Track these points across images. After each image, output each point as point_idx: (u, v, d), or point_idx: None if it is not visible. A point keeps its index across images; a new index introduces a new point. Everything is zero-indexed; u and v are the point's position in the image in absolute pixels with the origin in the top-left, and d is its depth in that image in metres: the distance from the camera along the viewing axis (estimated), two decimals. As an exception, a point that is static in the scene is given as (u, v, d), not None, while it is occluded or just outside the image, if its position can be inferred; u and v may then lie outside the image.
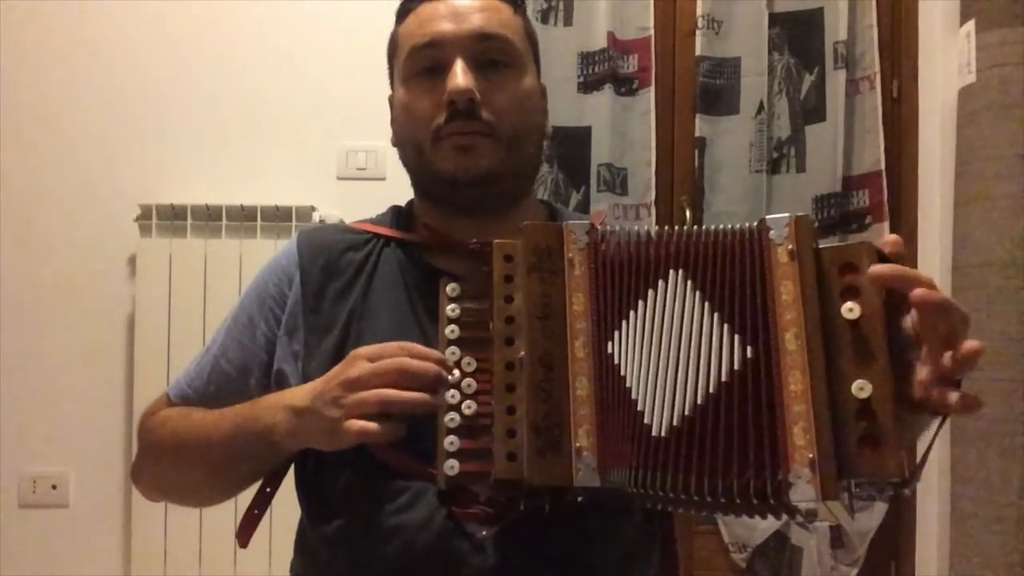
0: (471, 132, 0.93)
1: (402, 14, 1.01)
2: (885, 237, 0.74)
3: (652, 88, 2.34)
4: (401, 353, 0.82)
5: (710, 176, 2.34)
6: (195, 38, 2.37)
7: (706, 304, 0.77)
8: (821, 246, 0.76)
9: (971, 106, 2.03)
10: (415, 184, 1.02)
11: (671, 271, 0.79)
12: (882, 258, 0.74)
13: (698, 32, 2.34)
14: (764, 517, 0.74)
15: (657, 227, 0.83)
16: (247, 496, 0.99)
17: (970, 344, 0.67)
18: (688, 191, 2.36)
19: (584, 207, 2.31)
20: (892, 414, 0.69)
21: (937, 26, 2.26)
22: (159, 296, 2.23)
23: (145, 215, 2.28)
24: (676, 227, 0.81)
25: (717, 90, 2.35)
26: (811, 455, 0.69)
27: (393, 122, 1.03)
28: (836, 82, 2.31)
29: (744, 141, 2.33)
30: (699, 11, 2.34)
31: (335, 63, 2.34)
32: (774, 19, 2.35)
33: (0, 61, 2.34)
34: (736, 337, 0.75)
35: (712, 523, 2.31)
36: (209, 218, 2.27)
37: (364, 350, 0.83)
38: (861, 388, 0.70)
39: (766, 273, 0.75)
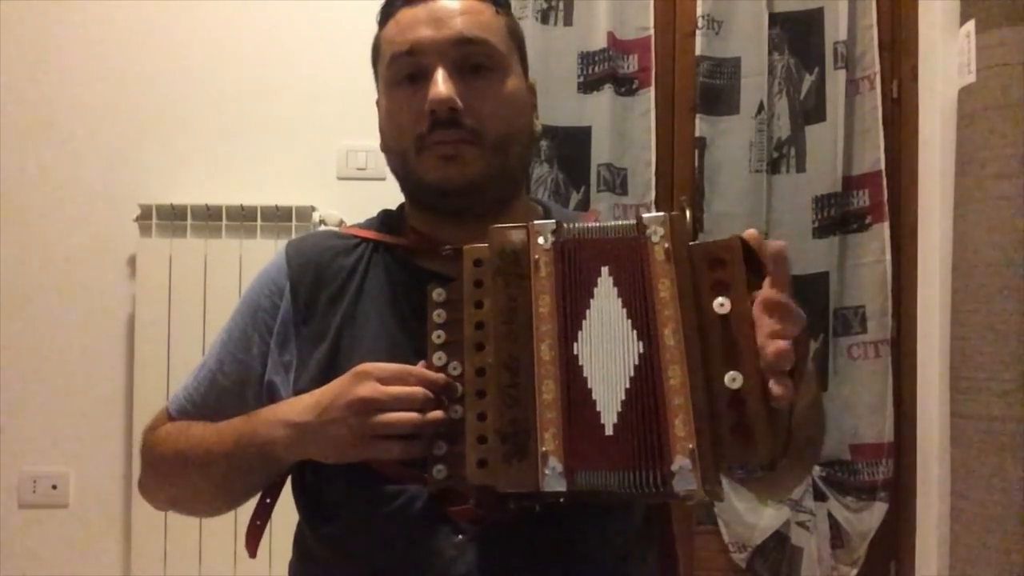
0: (454, 141, 0.92)
1: (383, 19, 1.00)
2: (747, 231, 0.76)
3: (652, 88, 2.34)
4: (411, 379, 0.82)
5: (710, 176, 2.34)
6: (195, 38, 2.37)
7: (620, 301, 0.78)
8: (693, 242, 0.78)
9: (971, 106, 2.03)
10: (403, 189, 1.02)
11: (603, 268, 0.80)
12: (747, 251, 0.75)
13: (698, 32, 2.34)
14: (660, 501, 0.77)
15: (600, 223, 0.83)
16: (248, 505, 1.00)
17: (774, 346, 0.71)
18: (688, 191, 2.36)
19: (584, 207, 2.31)
20: (762, 403, 0.71)
21: (937, 26, 2.25)
22: (159, 296, 2.24)
23: (145, 215, 2.28)
24: (608, 222, 0.82)
25: (717, 90, 2.35)
26: (691, 446, 0.72)
27: (380, 128, 1.02)
28: (836, 82, 2.31)
29: (744, 141, 2.33)
30: (699, 11, 2.34)
31: (335, 63, 2.34)
32: (774, 19, 2.35)
33: (0, 61, 2.34)
34: (635, 333, 0.77)
35: (712, 523, 2.31)
36: (209, 218, 2.27)
37: (372, 368, 0.83)
38: (733, 379, 0.72)
39: (647, 272, 0.77)
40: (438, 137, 0.92)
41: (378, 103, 1.02)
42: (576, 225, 0.82)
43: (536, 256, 0.80)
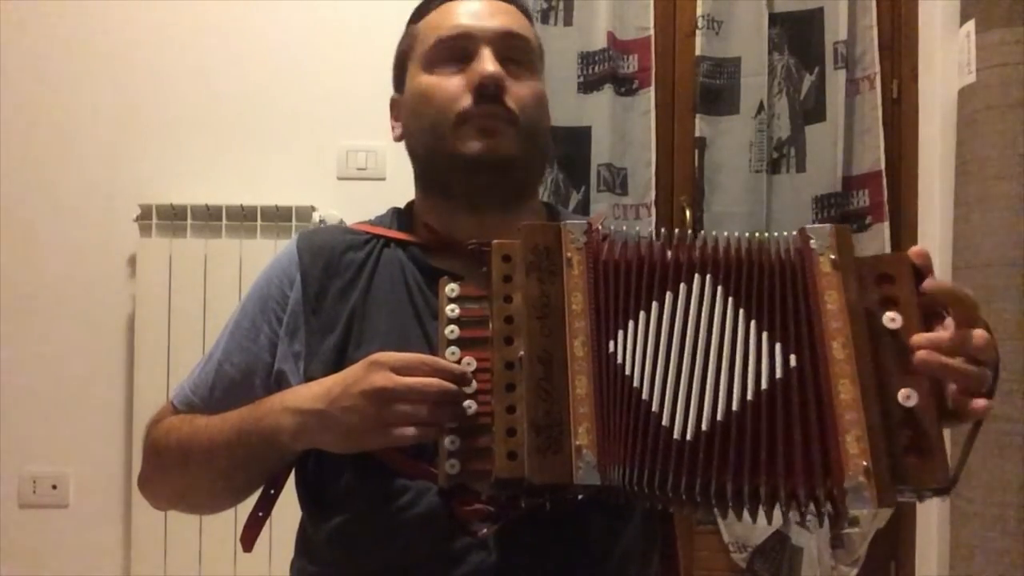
0: (496, 116, 0.95)
1: (420, 13, 1.03)
2: (912, 248, 0.77)
3: (652, 88, 2.34)
4: (425, 368, 0.81)
5: (710, 176, 2.34)
6: (195, 39, 2.37)
7: (740, 311, 0.78)
8: (858, 256, 0.78)
9: (971, 106, 2.03)
10: (423, 176, 1.02)
11: (696, 276, 0.79)
12: (916, 270, 0.75)
13: (698, 32, 2.34)
14: (801, 523, 0.75)
15: (670, 231, 0.83)
16: (248, 500, 0.99)
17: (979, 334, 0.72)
18: (688, 191, 2.36)
19: (584, 207, 2.31)
20: (936, 422, 0.71)
21: (937, 26, 2.26)
22: (159, 296, 2.24)
23: (145, 215, 2.28)
24: (701, 233, 0.82)
25: (717, 90, 2.35)
26: (866, 463, 0.70)
27: (402, 115, 1.03)
28: (836, 82, 2.31)
29: (744, 141, 2.33)
30: (699, 11, 2.34)
31: (335, 63, 2.34)
32: (774, 19, 2.35)
33: (0, 61, 2.34)
34: (778, 346, 0.75)
35: (712, 523, 2.31)
36: (209, 218, 2.27)
37: (386, 358, 0.82)
38: (907, 397, 0.71)
39: (809, 283, 0.76)
40: (482, 111, 0.94)
41: (395, 100, 1.05)
42: (622, 229, 0.83)
43: (569, 254, 0.81)
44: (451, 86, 0.96)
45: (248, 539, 0.95)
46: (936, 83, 2.26)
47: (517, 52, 0.98)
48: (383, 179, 2.32)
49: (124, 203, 2.28)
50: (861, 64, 2.33)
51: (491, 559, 0.86)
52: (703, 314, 0.78)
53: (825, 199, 2.31)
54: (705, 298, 0.79)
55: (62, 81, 2.36)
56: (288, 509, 0.97)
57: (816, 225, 0.78)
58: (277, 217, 2.26)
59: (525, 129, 0.96)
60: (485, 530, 0.84)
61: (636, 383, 0.77)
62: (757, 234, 0.81)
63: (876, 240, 2.29)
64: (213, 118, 2.36)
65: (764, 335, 0.76)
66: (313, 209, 2.29)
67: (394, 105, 1.06)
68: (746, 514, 0.75)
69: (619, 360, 0.78)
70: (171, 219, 2.27)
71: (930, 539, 2.21)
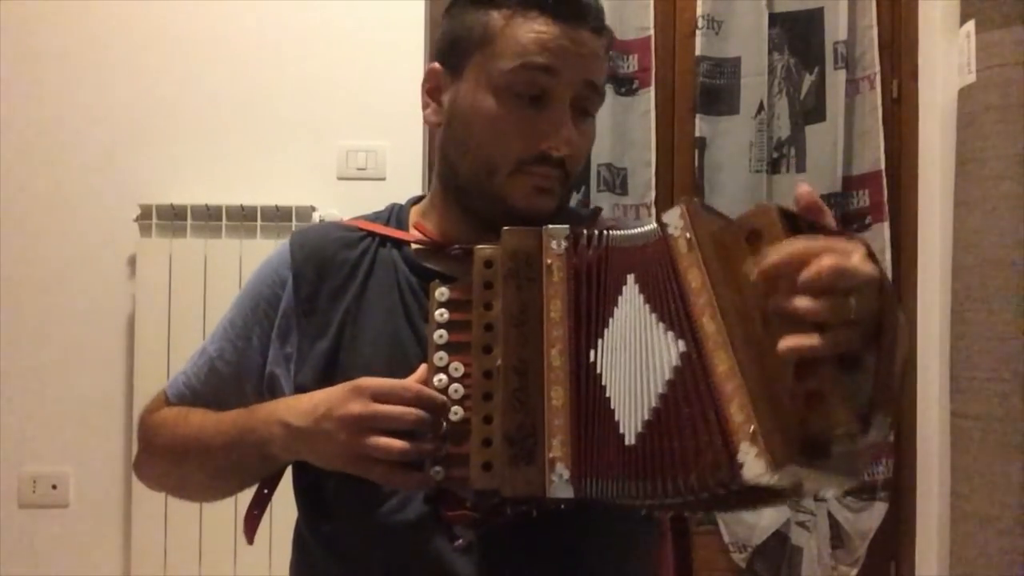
0: (553, 177, 0.91)
1: (499, 2, 0.92)
2: (799, 188, 0.72)
3: (652, 88, 2.35)
4: (407, 395, 0.81)
5: (710, 176, 2.34)
6: (195, 38, 2.37)
7: (648, 307, 0.75)
8: (727, 221, 0.73)
9: (971, 106, 2.03)
10: (451, 186, 0.97)
11: (628, 277, 0.77)
12: (789, 217, 0.70)
13: (698, 32, 2.34)
14: (751, 507, 0.71)
15: (623, 229, 0.80)
16: (247, 495, 1.00)
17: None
18: (688, 191, 2.36)
19: (584, 207, 2.32)
20: (830, 365, 0.65)
21: (937, 26, 2.26)
22: (159, 296, 2.23)
23: (145, 215, 2.27)
24: (633, 228, 0.79)
25: (717, 90, 2.35)
26: (752, 428, 0.66)
27: (452, 115, 0.95)
28: (836, 82, 2.31)
29: (744, 141, 2.33)
30: (699, 11, 2.34)
31: (335, 63, 2.33)
32: (774, 19, 2.36)
33: (0, 61, 2.34)
34: (670, 335, 0.72)
35: (712, 523, 2.31)
36: (209, 218, 2.27)
37: (369, 384, 0.82)
38: (790, 348, 0.65)
39: (675, 267, 0.73)
40: (542, 171, 0.91)
41: (447, 80, 0.96)
42: (596, 233, 0.80)
43: (549, 261, 0.79)
44: (521, 131, 0.90)
45: (249, 532, 0.97)
46: (936, 83, 2.26)
47: (590, 105, 0.94)
48: (383, 179, 2.31)
49: (124, 203, 2.28)
50: (861, 64, 2.33)
51: (482, 562, 0.86)
52: (632, 315, 0.76)
53: (825, 199, 2.25)
54: (633, 299, 0.76)
55: (62, 81, 2.36)
56: (289, 509, 0.97)
57: (671, 209, 0.75)
58: (277, 217, 2.26)
59: (571, 179, 0.94)
60: (461, 540, 0.84)
61: (609, 392, 0.75)
62: (637, 229, 0.78)
63: (877, 240, 2.29)
64: (213, 118, 2.35)
65: (661, 326, 0.73)
66: (313, 209, 2.29)
67: (439, 84, 0.96)
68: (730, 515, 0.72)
69: (598, 369, 0.76)
70: (171, 219, 2.27)
71: (930, 539, 2.21)
